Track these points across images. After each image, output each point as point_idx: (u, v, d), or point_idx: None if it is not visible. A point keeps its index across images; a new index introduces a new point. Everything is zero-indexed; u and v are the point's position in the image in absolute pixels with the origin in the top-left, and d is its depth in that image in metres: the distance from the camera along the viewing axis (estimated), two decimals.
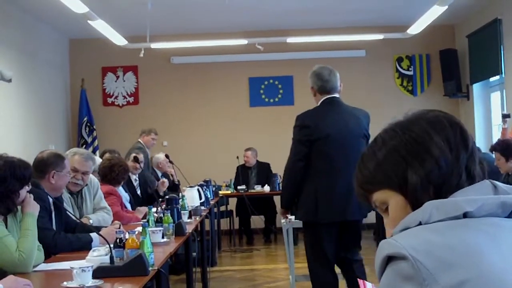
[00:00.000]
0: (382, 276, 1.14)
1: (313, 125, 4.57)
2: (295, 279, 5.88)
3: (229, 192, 9.80)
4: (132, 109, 11.18)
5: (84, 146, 10.34)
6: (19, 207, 3.39)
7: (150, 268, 3.09)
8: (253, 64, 11.04)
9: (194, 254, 5.70)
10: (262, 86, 11.21)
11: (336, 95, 4.73)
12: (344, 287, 4.87)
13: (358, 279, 1.93)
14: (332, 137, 4.55)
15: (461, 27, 10.78)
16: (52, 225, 3.96)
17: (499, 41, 9.12)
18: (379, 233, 8.50)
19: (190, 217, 5.74)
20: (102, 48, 10.58)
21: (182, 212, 5.28)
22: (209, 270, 6.88)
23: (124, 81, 11.21)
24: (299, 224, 4.93)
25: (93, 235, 3.87)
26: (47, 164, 4.05)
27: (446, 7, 7.90)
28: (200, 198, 6.64)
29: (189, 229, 4.84)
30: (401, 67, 11.23)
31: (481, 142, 9.78)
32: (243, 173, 10.16)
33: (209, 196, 7.53)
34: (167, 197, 5.13)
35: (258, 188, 9.86)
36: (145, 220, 4.45)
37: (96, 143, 10.70)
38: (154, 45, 9.77)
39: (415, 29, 9.44)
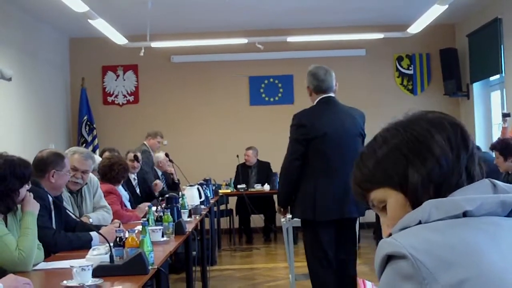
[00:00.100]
0: (381, 275, 1.14)
1: (310, 124, 4.59)
2: (295, 278, 5.88)
3: (229, 191, 9.80)
4: (132, 108, 11.19)
5: (84, 145, 10.34)
6: (19, 206, 3.39)
7: (150, 267, 3.09)
8: (253, 63, 11.04)
9: (194, 253, 5.69)
10: (262, 85, 11.22)
11: (332, 94, 4.76)
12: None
13: (358, 278, 1.93)
14: (329, 136, 4.58)
15: (462, 26, 10.78)
16: (52, 224, 3.96)
17: (499, 41, 9.11)
18: (379, 232, 8.50)
19: (190, 216, 5.74)
20: (102, 47, 10.58)
21: (182, 211, 5.28)
22: (209, 269, 6.88)
23: (124, 80, 11.21)
24: (299, 223, 4.94)
25: (93, 234, 3.87)
26: (47, 163, 4.05)
27: (447, 6, 7.89)
28: (200, 197, 6.64)
29: (189, 228, 4.84)
30: (401, 66, 11.23)
31: (481, 141, 9.79)
32: (243, 172, 10.16)
33: (209, 195, 7.53)
34: (167, 196, 5.12)
35: (258, 187, 9.87)
36: (145, 219, 4.45)
37: (96, 142, 10.70)
38: (154, 44, 9.77)
39: (415, 28, 9.43)
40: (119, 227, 3.84)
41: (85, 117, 10.69)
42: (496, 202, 1.17)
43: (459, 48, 10.77)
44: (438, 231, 1.13)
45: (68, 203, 4.54)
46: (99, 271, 2.90)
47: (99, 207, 4.89)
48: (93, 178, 5.02)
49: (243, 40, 10.08)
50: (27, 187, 3.38)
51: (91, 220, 4.59)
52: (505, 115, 8.19)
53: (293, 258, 5.94)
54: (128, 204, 6.09)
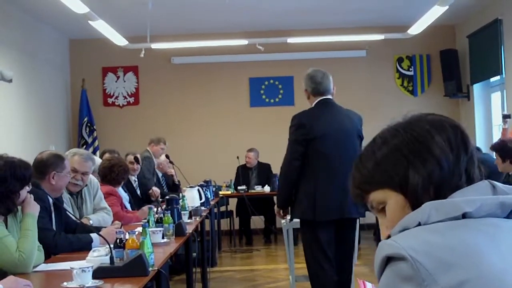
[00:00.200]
0: (381, 277, 1.14)
1: (309, 124, 4.63)
2: (295, 280, 5.88)
3: (229, 192, 9.80)
4: (133, 110, 11.19)
5: (84, 146, 10.34)
6: (19, 208, 3.39)
7: (150, 269, 3.09)
8: (254, 64, 11.05)
9: (194, 254, 5.70)
10: (263, 87, 11.22)
11: (330, 97, 4.81)
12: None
13: (358, 280, 1.93)
14: (328, 136, 4.62)
15: (462, 27, 10.78)
16: (52, 226, 3.96)
17: (500, 42, 9.11)
18: (379, 233, 8.49)
19: (190, 217, 5.74)
20: (103, 48, 10.58)
21: (182, 212, 5.28)
22: (209, 270, 6.88)
23: (124, 81, 11.21)
24: (299, 224, 4.95)
25: (93, 235, 3.87)
26: (47, 165, 4.05)
27: (447, 7, 7.89)
28: (200, 199, 6.64)
29: (189, 229, 4.84)
30: (402, 67, 11.23)
31: (482, 143, 9.78)
32: (243, 174, 10.16)
33: (209, 196, 7.53)
34: (167, 197, 5.13)
35: (258, 188, 9.87)
36: (145, 221, 4.45)
37: (96, 143, 10.70)
38: (154, 45, 9.77)
39: (415, 29, 9.44)
40: (119, 228, 3.84)
41: (85, 119, 10.69)
42: (495, 204, 1.17)
43: (460, 49, 10.77)
44: (438, 233, 1.13)
45: (68, 205, 4.54)
46: (99, 273, 2.90)
47: (99, 209, 4.89)
48: (93, 179, 5.02)
49: (244, 41, 10.09)
50: (27, 188, 3.38)
51: (91, 222, 4.59)
52: (505, 117, 8.19)
53: (293, 260, 5.94)
54: (128, 206, 6.08)
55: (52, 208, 4.00)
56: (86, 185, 4.76)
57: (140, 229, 3.47)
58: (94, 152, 9.84)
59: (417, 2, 8.97)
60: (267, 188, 9.71)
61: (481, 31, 9.81)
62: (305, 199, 4.63)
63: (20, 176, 3.30)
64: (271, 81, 11.21)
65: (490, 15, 9.43)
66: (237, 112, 11.15)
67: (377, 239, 8.99)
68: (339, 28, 10.57)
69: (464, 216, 1.16)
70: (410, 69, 11.20)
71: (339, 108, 4.84)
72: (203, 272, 6.46)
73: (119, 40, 9.37)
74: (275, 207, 5.01)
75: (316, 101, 4.77)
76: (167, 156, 8.82)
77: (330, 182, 4.59)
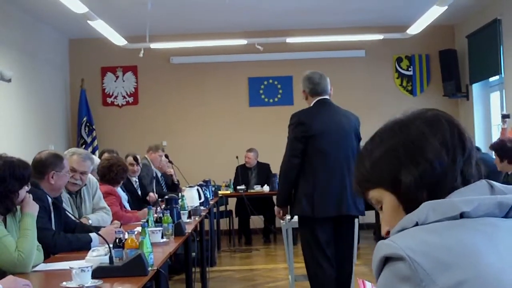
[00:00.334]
0: (379, 277, 1.15)
1: (308, 122, 4.71)
2: (295, 279, 5.88)
3: (228, 192, 9.80)
4: (132, 109, 11.18)
5: (83, 146, 10.34)
6: (18, 207, 3.39)
7: (150, 268, 3.09)
8: (253, 64, 11.04)
9: (194, 254, 5.70)
10: (262, 86, 11.22)
11: (327, 97, 4.89)
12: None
13: (358, 279, 1.94)
14: (326, 134, 4.71)
15: (461, 27, 10.78)
16: (52, 225, 3.96)
17: (499, 41, 9.12)
18: (379, 233, 8.50)
19: (189, 217, 5.74)
20: (102, 48, 10.58)
21: (181, 212, 5.28)
22: (209, 270, 6.87)
23: (123, 81, 11.21)
24: (298, 224, 4.96)
25: (93, 235, 3.87)
26: (46, 164, 4.05)
27: (446, 7, 7.90)
28: (200, 198, 6.64)
29: (188, 229, 4.84)
30: (401, 67, 11.24)
31: (481, 142, 9.79)
32: (243, 174, 10.16)
33: (208, 196, 7.53)
34: (166, 197, 5.12)
35: (257, 188, 9.87)
36: (144, 220, 4.45)
37: (95, 143, 10.70)
38: (153, 45, 9.77)
39: (414, 29, 9.44)
40: (119, 227, 3.84)
41: (85, 118, 10.69)
42: (493, 203, 1.17)
43: (459, 49, 10.77)
44: (435, 233, 1.13)
45: (67, 204, 4.54)
46: (98, 273, 2.90)
47: (99, 208, 4.89)
48: (92, 179, 5.01)
49: (243, 41, 10.08)
50: (26, 188, 3.38)
51: (90, 221, 4.59)
52: (504, 116, 8.19)
53: (293, 259, 5.94)
54: (127, 205, 6.08)
55: (51, 208, 4.00)
56: (85, 184, 4.76)
57: (139, 228, 3.47)
58: (93, 152, 9.84)
59: (416, 2, 8.97)
60: (266, 188, 9.71)
61: (480, 31, 9.82)
62: (304, 196, 4.68)
63: (19, 176, 3.30)
64: (270, 81, 11.21)
65: (489, 15, 9.44)
66: (236, 112, 11.15)
67: (377, 239, 9.00)
68: (338, 28, 10.57)
69: (462, 216, 1.16)
70: (409, 69, 11.20)
71: (336, 107, 4.93)
72: (203, 272, 6.46)
73: (118, 40, 9.37)
74: (275, 207, 5.03)
75: (314, 101, 4.85)
76: (166, 156, 8.82)
77: (329, 179, 4.66)
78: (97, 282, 2.83)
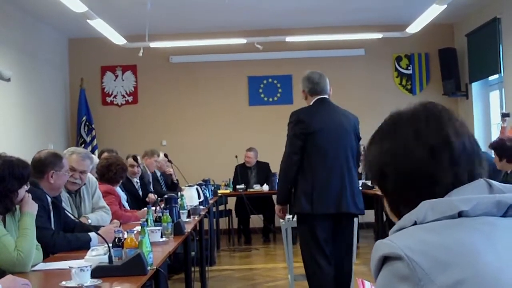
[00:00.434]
0: (378, 277, 1.15)
1: (308, 120, 4.76)
2: (294, 279, 5.88)
3: (228, 191, 9.80)
4: (131, 109, 11.18)
5: (83, 145, 10.33)
6: (17, 207, 3.38)
7: (149, 268, 3.08)
8: (252, 63, 11.04)
9: (193, 253, 5.70)
10: (261, 85, 11.22)
11: (326, 96, 4.93)
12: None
13: (357, 278, 1.94)
14: (326, 131, 4.75)
15: (460, 26, 10.78)
16: (51, 225, 3.95)
17: (498, 40, 9.11)
18: (379, 232, 8.50)
19: (189, 216, 5.73)
20: (101, 48, 10.58)
21: (181, 211, 5.27)
22: (208, 269, 6.87)
23: (123, 80, 11.21)
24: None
25: (92, 234, 3.87)
26: (45, 164, 4.04)
27: (445, 6, 7.90)
28: (199, 198, 6.64)
29: (188, 228, 4.83)
30: (400, 66, 11.23)
31: (480, 141, 9.66)
32: (242, 173, 10.16)
33: (208, 195, 7.53)
34: (166, 196, 5.12)
35: (257, 187, 9.87)
36: (143, 220, 4.44)
37: (95, 142, 10.70)
38: (153, 44, 9.77)
39: (414, 28, 9.44)
40: (118, 227, 3.84)
41: (84, 118, 10.68)
42: (491, 202, 1.17)
43: (458, 47, 10.77)
44: (434, 232, 1.13)
45: (67, 204, 4.54)
46: (97, 272, 2.90)
47: (98, 208, 4.88)
48: (92, 178, 5.01)
49: (242, 40, 10.08)
50: (25, 187, 3.37)
51: (89, 221, 4.59)
52: (504, 115, 8.19)
53: (292, 259, 5.94)
54: (126, 205, 6.08)
55: (51, 207, 3.99)
56: (85, 184, 4.75)
57: (138, 228, 3.47)
58: (92, 151, 9.83)
59: (415, 1, 8.97)
60: (265, 187, 9.71)
61: (479, 30, 9.82)
62: (303, 193, 4.71)
63: (19, 175, 3.30)
64: (270, 80, 11.20)
65: (488, 14, 9.44)
66: (236, 111, 11.15)
67: (377, 239, 8.99)
68: (338, 27, 10.57)
69: (460, 215, 1.16)
70: (409, 68, 11.20)
71: (335, 107, 4.97)
72: (202, 271, 6.46)
73: (117, 39, 9.37)
74: (276, 206, 5.05)
75: (314, 100, 4.89)
76: (165, 155, 8.81)
77: (328, 177, 4.70)
78: (97, 281, 2.82)
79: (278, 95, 11.19)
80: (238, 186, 9.67)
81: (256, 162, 10.28)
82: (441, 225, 1.15)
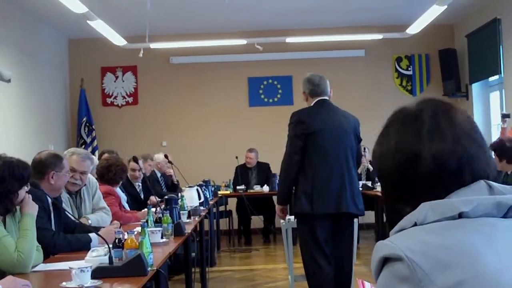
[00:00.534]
0: (379, 278, 1.15)
1: (308, 120, 4.79)
2: (294, 279, 5.88)
3: (228, 192, 9.80)
4: (131, 109, 11.18)
5: (83, 146, 10.33)
6: (17, 208, 3.38)
7: (149, 268, 3.08)
8: (252, 64, 11.04)
9: (193, 254, 5.70)
10: (262, 86, 11.22)
11: (327, 98, 4.97)
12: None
13: (357, 279, 1.93)
14: (326, 132, 4.78)
15: (460, 27, 10.78)
16: (51, 226, 3.95)
17: (498, 41, 9.12)
18: (379, 233, 8.50)
19: (189, 217, 5.73)
20: (101, 48, 10.58)
21: (181, 212, 5.28)
22: (208, 270, 6.87)
23: (123, 81, 11.21)
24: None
25: (92, 235, 3.87)
26: (46, 165, 4.04)
27: (446, 6, 7.90)
28: (199, 198, 6.64)
29: (188, 229, 4.83)
30: (401, 67, 11.24)
31: None
32: (243, 174, 10.16)
33: (208, 196, 7.53)
34: (166, 197, 5.12)
35: (257, 188, 9.87)
36: (144, 220, 4.45)
37: (95, 143, 10.70)
38: (153, 45, 9.77)
39: (414, 28, 9.44)
40: (118, 228, 3.84)
41: (84, 118, 10.68)
42: (492, 203, 1.17)
43: (458, 48, 10.77)
44: (434, 233, 1.13)
45: (67, 205, 4.53)
46: (98, 273, 2.90)
47: (98, 208, 4.88)
48: (92, 179, 5.01)
49: (242, 41, 10.08)
50: (26, 188, 3.37)
51: (90, 222, 4.59)
52: (504, 116, 8.19)
53: (292, 259, 5.94)
54: (126, 206, 6.08)
55: (51, 208, 3.99)
56: (85, 184, 4.75)
57: (139, 229, 3.47)
58: (93, 152, 9.83)
59: (416, 1, 8.97)
60: (266, 188, 9.71)
61: (480, 31, 9.82)
62: (303, 193, 4.74)
63: (19, 176, 3.30)
64: (270, 80, 11.21)
65: (489, 15, 9.44)
66: (236, 111, 11.15)
67: (378, 239, 8.99)
68: (338, 28, 10.57)
69: (461, 216, 1.16)
70: (409, 69, 11.20)
71: (336, 108, 5.01)
72: (202, 272, 6.45)
73: (118, 40, 9.37)
74: (276, 206, 5.07)
75: (314, 102, 4.92)
76: (166, 156, 8.80)
77: (328, 176, 4.73)
78: (97, 282, 2.82)
79: (278, 96, 11.19)
80: (238, 187, 9.67)
81: (256, 162, 10.28)
82: (441, 226, 1.15)
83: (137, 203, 6.68)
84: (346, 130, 4.86)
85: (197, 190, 6.70)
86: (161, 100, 11.12)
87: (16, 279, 2.66)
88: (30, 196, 3.41)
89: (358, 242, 5.51)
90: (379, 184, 8.17)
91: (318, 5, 9.41)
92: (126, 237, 3.20)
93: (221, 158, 10.70)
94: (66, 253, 3.73)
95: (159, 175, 8.73)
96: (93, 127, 10.74)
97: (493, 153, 6.18)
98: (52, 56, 10.35)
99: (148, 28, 9.03)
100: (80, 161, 4.59)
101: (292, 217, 5.22)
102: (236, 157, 10.13)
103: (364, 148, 7.76)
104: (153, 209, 4.92)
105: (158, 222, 4.43)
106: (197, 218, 5.91)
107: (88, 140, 10.66)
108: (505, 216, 1.18)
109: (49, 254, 3.71)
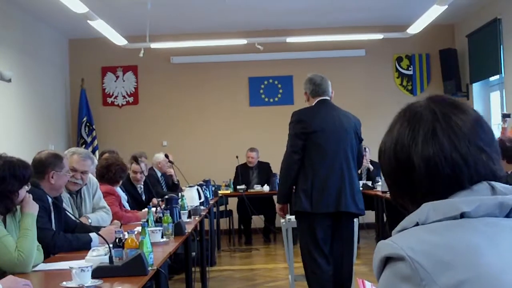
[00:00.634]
0: (380, 277, 1.14)
1: (309, 119, 4.82)
2: (295, 279, 5.88)
3: (228, 192, 9.80)
4: (132, 109, 11.18)
5: (83, 146, 10.34)
6: (18, 207, 3.38)
7: (149, 268, 3.09)
8: (253, 64, 11.04)
9: (194, 253, 5.70)
10: (262, 86, 11.22)
11: (328, 98, 5.00)
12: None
13: (358, 279, 1.93)
14: (326, 131, 4.81)
15: (461, 27, 10.78)
16: (52, 225, 3.96)
17: (499, 41, 9.12)
18: (380, 233, 8.50)
19: (189, 216, 5.74)
20: (102, 48, 10.58)
21: (181, 211, 5.28)
22: (209, 269, 6.87)
23: (123, 81, 11.21)
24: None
25: (92, 235, 3.87)
26: (46, 164, 4.04)
27: (446, 6, 7.90)
28: (200, 198, 6.64)
29: (188, 228, 4.84)
30: (401, 67, 11.23)
31: None
32: (243, 173, 10.16)
33: (208, 196, 7.53)
34: (166, 197, 5.12)
35: (257, 188, 9.87)
36: (144, 220, 4.45)
37: (95, 143, 10.70)
38: (153, 45, 9.77)
39: (414, 28, 9.44)
40: (119, 227, 3.84)
41: (85, 118, 10.69)
42: (494, 204, 1.16)
43: (459, 48, 10.77)
44: (436, 233, 1.13)
45: (67, 204, 4.53)
46: (98, 272, 2.90)
47: (99, 208, 4.88)
48: (93, 179, 5.01)
49: (243, 41, 10.08)
50: (26, 188, 3.37)
51: (90, 221, 4.59)
52: (505, 116, 8.18)
53: (293, 259, 5.95)
54: (126, 205, 6.08)
55: (52, 208, 4.00)
56: (86, 184, 4.75)
57: (139, 228, 3.47)
58: (93, 152, 9.83)
59: (416, 1, 8.97)
60: (266, 188, 9.71)
61: (480, 31, 9.82)
62: (303, 192, 4.76)
63: (19, 176, 3.30)
64: (271, 80, 11.21)
65: (489, 15, 9.44)
66: (237, 111, 11.15)
67: (378, 239, 8.99)
68: (338, 28, 10.57)
69: (463, 216, 1.15)
70: (410, 69, 11.20)
71: (337, 108, 5.03)
72: (202, 272, 6.46)
73: (118, 39, 9.37)
74: (276, 205, 5.09)
75: (316, 101, 4.95)
76: (166, 156, 8.80)
77: (328, 175, 4.75)
78: (97, 282, 2.83)
79: (279, 95, 11.20)
80: (238, 187, 9.67)
81: (257, 162, 10.28)
82: (443, 225, 1.14)
83: (138, 204, 6.68)
84: (346, 130, 4.88)
85: (198, 189, 6.70)
86: (161, 100, 11.12)
87: (17, 279, 2.66)
88: (30, 195, 3.41)
89: (358, 241, 5.51)
90: (379, 183, 8.17)
91: (318, 5, 9.41)
92: (126, 236, 3.20)
93: (221, 157, 10.70)
94: (67, 253, 3.73)
95: (159, 174, 8.73)
96: (94, 127, 10.75)
97: None
98: (53, 56, 10.35)
99: (148, 28, 9.04)
100: (80, 161, 4.59)
101: (293, 217, 5.22)
102: (237, 157, 10.13)
103: (365, 148, 7.76)
104: (153, 209, 4.92)
105: (158, 221, 4.44)
106: (197, 218, 5.91)
107: (89, 140, 10.67)
108: (507, 216, 1.17)
109: (49, 253, 3.71)
